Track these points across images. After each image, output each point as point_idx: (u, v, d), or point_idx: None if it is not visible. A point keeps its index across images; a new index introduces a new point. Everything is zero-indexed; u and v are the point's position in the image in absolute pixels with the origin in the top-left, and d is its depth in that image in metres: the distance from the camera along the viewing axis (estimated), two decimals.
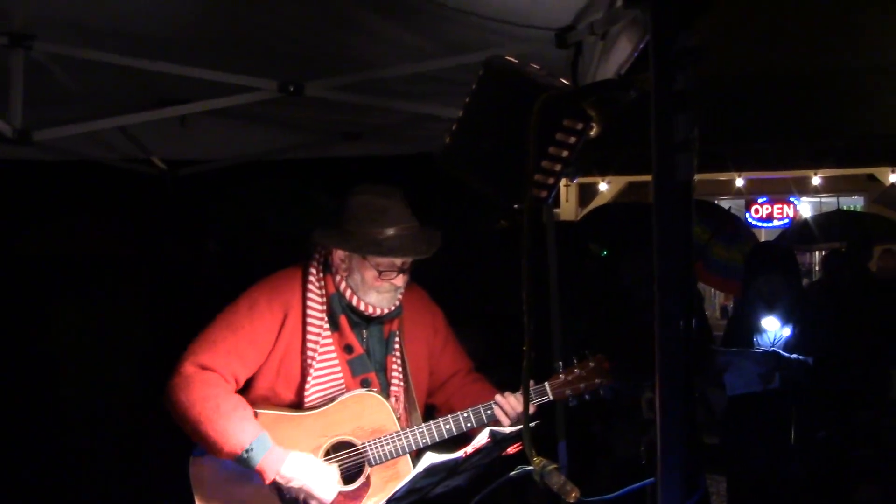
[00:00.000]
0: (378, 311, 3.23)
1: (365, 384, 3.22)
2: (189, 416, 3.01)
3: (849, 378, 6.07)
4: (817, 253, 10.89)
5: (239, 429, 2.99)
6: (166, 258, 5.44)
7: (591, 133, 2.09)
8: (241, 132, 5.07)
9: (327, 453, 3.13)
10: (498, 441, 2.85)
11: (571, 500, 2.38)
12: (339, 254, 3.21)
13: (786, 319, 5.12)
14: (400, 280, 3.21)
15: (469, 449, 2.81)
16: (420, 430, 3.19)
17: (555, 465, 2.40)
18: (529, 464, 2.43)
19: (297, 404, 3.16)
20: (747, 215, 17.03)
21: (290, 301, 3.18)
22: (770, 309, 5.16)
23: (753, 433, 5.18)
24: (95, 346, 5.24)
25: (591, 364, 3.30)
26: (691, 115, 1.93)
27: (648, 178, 1.81)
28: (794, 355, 4.93)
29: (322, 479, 3.05)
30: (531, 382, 3.29)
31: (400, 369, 3.33)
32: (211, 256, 5.93)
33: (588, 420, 5.34)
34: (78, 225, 5.59)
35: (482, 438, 2.82)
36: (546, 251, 4.59)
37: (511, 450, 2.93)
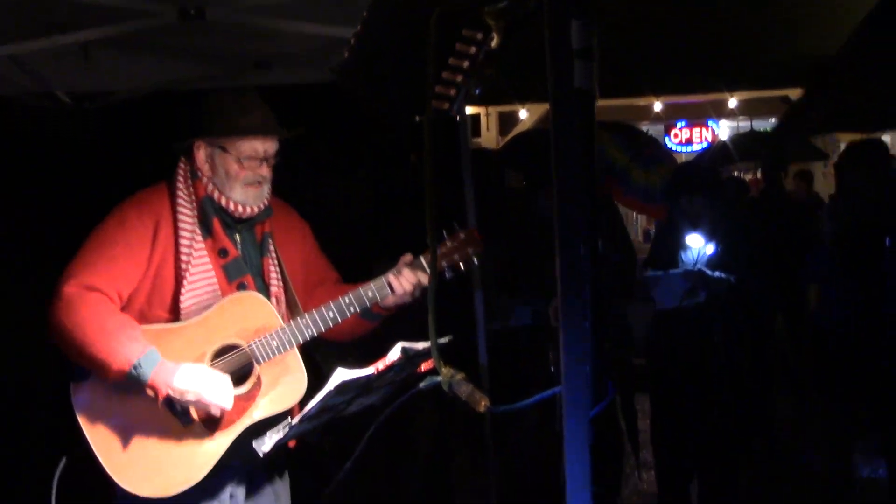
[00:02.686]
0: (248, 211, 3.22)
1: (241, 288, 3.20)
2: (74, 338, 2.93)
3: (768, 293, 6.20)
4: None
5: (126, 347, 2.93)
6: (76, 196, 5.31)
7: (492, 44, 2.08)
8: (148, 62, 4.96)
9: (213, 359, 3.09)
10: (410, 357, 2.85)
11: (481, 410, 2.41)
12: (200, 155, 3.19)
13: (709, 237, 5.20)
14: (264, 170, 3.22)
15: (380, 365, 2.81)
16: (303, 320, 3.17)
17: (463, 375, 2.42)
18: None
19: (174, 317, 3.12)
20: (666, 139, 17.19)
21: (160, 211, 3.14)
22: (694, 227, 5.24)
23: (676, 352, 5.27)
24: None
25: (462, 236, 3.35)
26: (589, 23, 1.91)
27: None
28: (716, 273, 5.02)
29: (216, 386, 3.01)
30: (409, 257, 3.33)
31: (277, 270, 3.32)
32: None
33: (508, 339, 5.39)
34: None
35: (394, 355, 2.82)
36: (463, 179, 4.58)
37: (424, 366, 2.93)
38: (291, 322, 3.17)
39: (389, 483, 5.86)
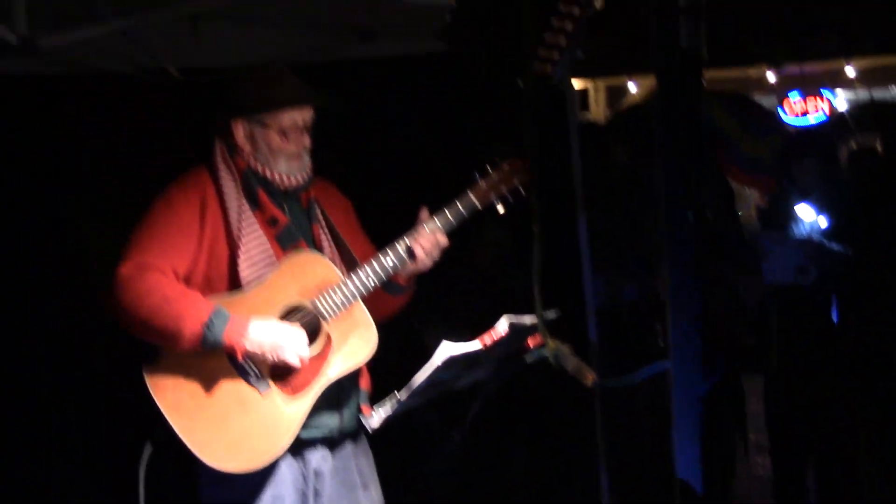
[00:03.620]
0: (293, 182, 3.22)
1: None
2: (138, 313, 2.95)
3: (891, 269, 5.96)
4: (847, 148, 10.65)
5: (193, 309, 2.95)
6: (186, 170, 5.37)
7: (597, 5, 2.01)
8: (255, 35, 4.98)
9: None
10: (517, 331, 2.80)
11: (588, 384, 2.34)
12: (240, 134, 3.19)
13: (822, 208, 5.00)
14: (306, 139, 3.23)
15: (487, 340, 2.76)
16: (364, 271, 3.15)
17: (570, 348, 2.36)
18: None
19: (234, 290, 3.12)
20: (780, 112, 16.68)
21: (204, 188, 3.16)
22: (805, 197, 5.05)
23: (791, 332, 5.10)
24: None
25: (507, 167, 3.31)
26: None
27: None
28: (834, 245, 4.82)
29: (291, 336, 3.01)
30: (457, 204, 3.28)
31: (328, 234, 3.32)
32: None
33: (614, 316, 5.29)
34: (90, 140, 5.49)
35: (501, 329, 2.78)
36: (570, 153, 4.48)
37: (531, 342, 2.88)
38: (352, 275, 3.15)
39: (492, 466, 5.82)
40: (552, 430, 5.76)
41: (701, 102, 1.82)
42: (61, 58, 4.59)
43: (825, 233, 4.96)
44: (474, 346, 2.76)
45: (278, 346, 2.98)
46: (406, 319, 3.56)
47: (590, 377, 2.35)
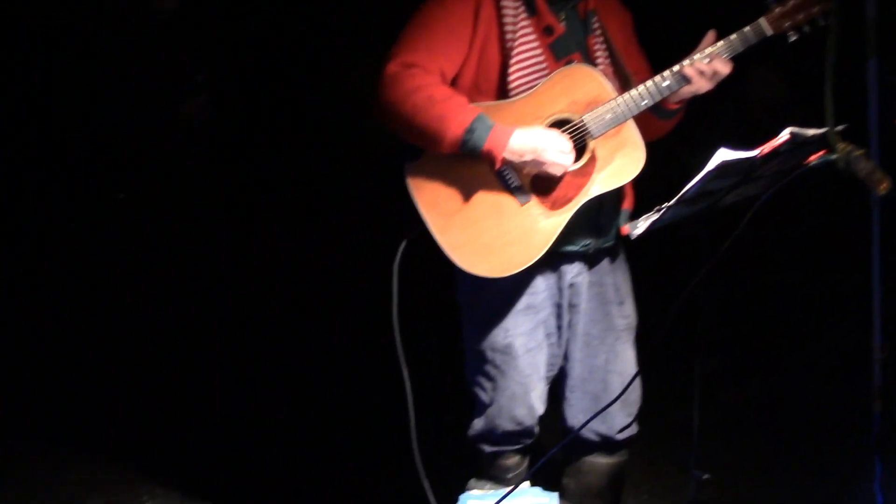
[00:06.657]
0: None
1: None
2: (402, 111, 2.95)
3: None
4: None
5: (457, 112, 2.92)
6: None
7: None
8: None
9: None
10: (799, 143, 2.61)
11: (881, 191, 2.16)
12: None
13: None
14: None
15: (766, 148, 2.60)
16: (638, 90, 3.02)
17: (863, 151, 2.19)
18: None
19: (502, 97, 3.07)
20: None
21: None
22: None
23: None
24: None
25: None
26: None
27: None
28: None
29: (555, 144, 2.95)
30: (747, 30, 3.05)
31: (604, 47, 3.19)
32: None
33: None
34: None
35: (781, 137, 2.60)
36: None
37: (813, 157, 2.69)
38: (626, 93, 3.03)
39: None
40: None
41: None
42: None
43: None
44: (751, 153, 2.60)
45: (540, 154, 2.94)
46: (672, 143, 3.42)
47: (884, 185, 2.17)
